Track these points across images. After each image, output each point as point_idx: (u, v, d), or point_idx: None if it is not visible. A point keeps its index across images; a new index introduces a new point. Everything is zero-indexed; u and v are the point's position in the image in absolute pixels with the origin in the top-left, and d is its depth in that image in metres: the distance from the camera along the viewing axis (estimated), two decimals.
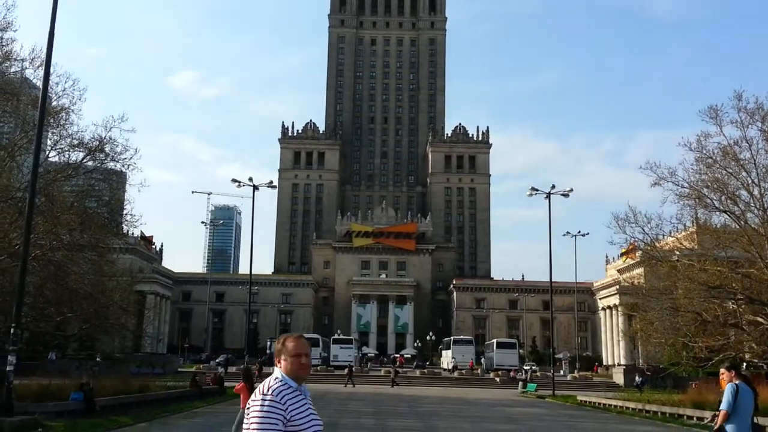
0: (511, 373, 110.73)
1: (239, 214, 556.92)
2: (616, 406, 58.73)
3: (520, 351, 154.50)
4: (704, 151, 57.63)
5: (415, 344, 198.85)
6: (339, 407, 52.18)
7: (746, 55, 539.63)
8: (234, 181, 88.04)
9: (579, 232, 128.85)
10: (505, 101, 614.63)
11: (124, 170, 58.44)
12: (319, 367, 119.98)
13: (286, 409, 6.95)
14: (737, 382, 16.05)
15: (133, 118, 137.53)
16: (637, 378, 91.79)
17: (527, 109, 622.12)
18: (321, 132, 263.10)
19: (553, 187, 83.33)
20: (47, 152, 53.78)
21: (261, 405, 6.95)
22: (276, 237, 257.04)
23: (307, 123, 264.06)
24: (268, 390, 7.04)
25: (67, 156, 54.75)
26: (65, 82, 53.22)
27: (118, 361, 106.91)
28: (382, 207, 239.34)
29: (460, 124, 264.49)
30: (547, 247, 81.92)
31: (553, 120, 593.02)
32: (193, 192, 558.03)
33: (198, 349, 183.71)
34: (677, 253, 64.51)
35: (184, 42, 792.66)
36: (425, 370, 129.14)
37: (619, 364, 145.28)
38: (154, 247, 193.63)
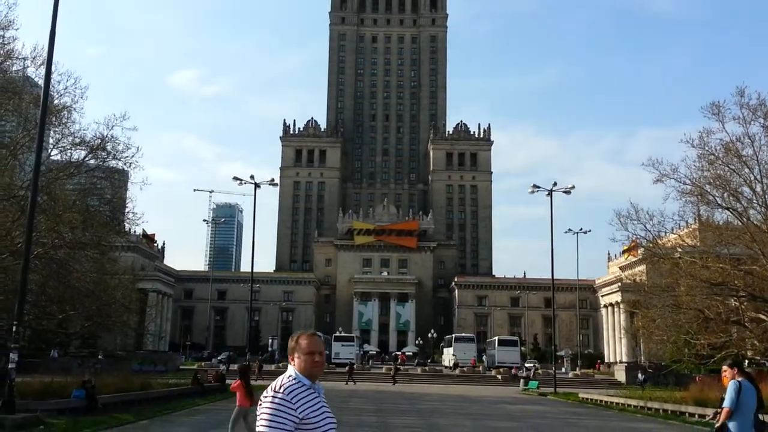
0: (513, 371, 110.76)
1: (241, 212, 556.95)
2: (617, 404, 58.73)
3: (522, 348, 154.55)
4: (706, 148, 57.56)
5: (417, 342, 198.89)
6: (340, 404, 52.15)
7: (748, 52, 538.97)
8: (235, 179, 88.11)
9: (581, 229, 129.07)
10: (506, 99, 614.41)
11: (125, 168, 58.45)
12: None
13: (297, 408, 6.89)
14: (740, 379, 16.02)
15: (135, 117, 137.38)
16: (639, 375, 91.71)
17: (528, 106, 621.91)
18: (322, 130, 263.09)
19: (555, 184, 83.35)
20: (49, 150, 53.78)
21: (271, 402, 6.91)
22: (277, 235, 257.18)
23: (309, 121, 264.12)
24: (280, 387, 6.99)
25: (69, 154, 54.78)
26: (67, 81, 53.24)
27: (120, 358, 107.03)
28: (384, 204, 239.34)
29: (461, 121, 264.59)
30: (548, 244, 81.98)
31: (554, 118, 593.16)
32: (194, 190, 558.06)
33: (200, 346, 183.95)
34: (679, 250, 64.43)
35: (184, 41, 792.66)
36: (426, 368, 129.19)
37: (621, 362, 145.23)
38: (156, 245, 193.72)
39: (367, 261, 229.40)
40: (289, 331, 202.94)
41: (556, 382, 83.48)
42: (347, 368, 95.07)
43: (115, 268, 72.42)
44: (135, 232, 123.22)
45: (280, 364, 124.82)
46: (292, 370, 7.19)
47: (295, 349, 7.25)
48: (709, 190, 57.83)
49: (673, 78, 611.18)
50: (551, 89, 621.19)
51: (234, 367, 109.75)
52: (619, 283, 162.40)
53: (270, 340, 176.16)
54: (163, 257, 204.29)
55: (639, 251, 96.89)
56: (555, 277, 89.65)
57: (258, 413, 6.98)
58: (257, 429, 6.95)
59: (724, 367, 16.84)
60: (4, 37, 52.68)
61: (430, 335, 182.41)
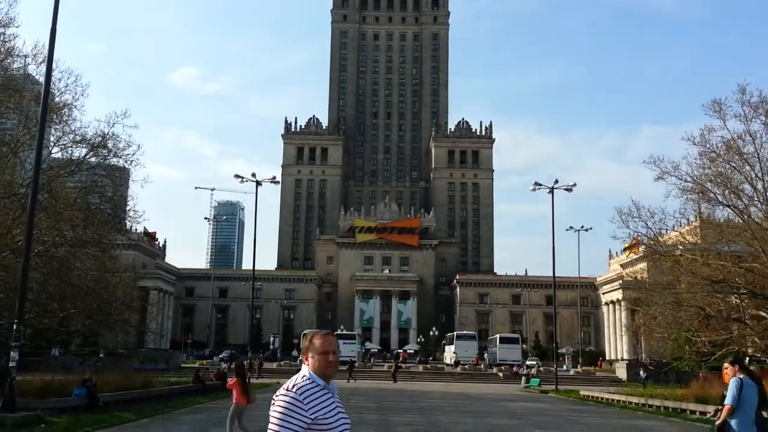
0: (514, 368, 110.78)
1: (242, 210, 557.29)
2: (618, 401, 58.73)
3: (523, 346, 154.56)
4: (708, 145, 57.43)
5: (419, 339, 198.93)
6: (342, 402, 52.11)
7: (749, 50, 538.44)
8: (237, 176, 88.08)
9: (582, 227, 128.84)
10: (508, 97, 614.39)
11: (127, 166, 58.41)
12: None
13: (308, 408, 6.82)
14: (741, 376, 15.98)
15: (136, 114, 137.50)
16: (641, 373, 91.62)
17: (530, 104, 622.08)
18: (324, 127, 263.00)
19: (556, 182, 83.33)
20: (50, 148, 53.75)
21: (283, 401, 6.84)
22: (279, 233, 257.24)
23: (310, 119, 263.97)
24: (293, 387, 6.93)
25: (69, 152, 54.69)
26: (67, 78, 53.18)
27: (121, 356, 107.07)
28: (385, 202, 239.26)
29: (463, 119, 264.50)
30: (550, 242, 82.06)
31: (555, 115, 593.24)
32: (196, 188, 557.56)
33: (201, 344, 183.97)
34: (680, 247, 64.36)
35: (185, 39, 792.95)
36: (428, 366, 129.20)
37: (622, 359, 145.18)
38: (157, 243, 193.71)
39: (369, 259, 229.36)
40: (291, 329, 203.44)
41: (557, 379, 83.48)
42: (347, 366, 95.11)
43: (116, 266, 72.30)
44: (136, 230, 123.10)
45: (281, 362, 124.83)
46: (306, 369, 7.13)
47: (308, 348, 7.19)
48: (710, 188, 57.74)
49: (674, 76, 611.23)
50: (553, 87, 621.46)
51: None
52: (621, 281, 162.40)
53: (271, 338, 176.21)
54: (165, 255, 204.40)
55: (640, 249, 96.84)
56: (556, 275, 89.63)
57: (270, 412, 6.92)
58: (269, 427, 6.88)
59: (726, 365, 16.80)
60: (4, 34, 52.67)
61: (431, 333, 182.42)
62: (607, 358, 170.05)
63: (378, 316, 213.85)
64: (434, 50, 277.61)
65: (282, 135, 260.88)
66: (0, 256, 48.40)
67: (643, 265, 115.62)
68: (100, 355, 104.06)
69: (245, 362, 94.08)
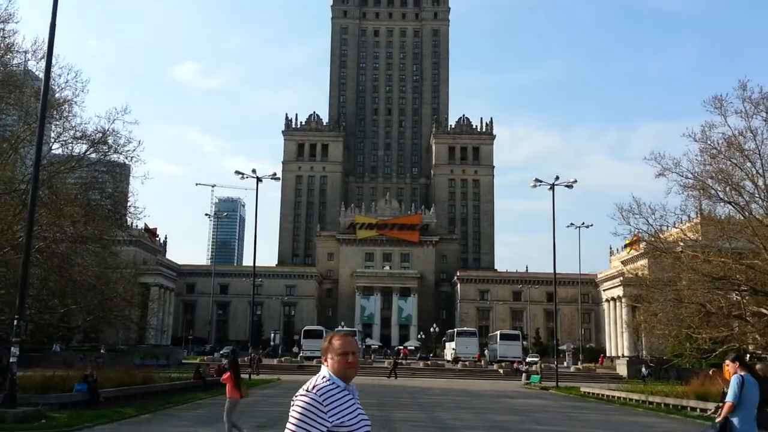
0: (515, 365, 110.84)
1: (243, 206, 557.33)
2: (619, 398, 58.76)
3: (524, 342, 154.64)
4: (709, 142, 57.34)
5: (419, 336, 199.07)
6: None
7: (751, 46, 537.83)
8: (237, 173, 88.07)
9: (583, 223, 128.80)
10: (509, 93, 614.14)
11: (127, 162, 58.34)
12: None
13: (328, 412, 6.69)
14: (743, 373, 15.97)
15: (137, 110, 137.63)
16: (643, 370, 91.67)
17: (530, 101, 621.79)
18: (324, 124, 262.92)
19: (557, 178, 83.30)
20: (50, 144, 53.74)
21: (302, 403, 6.73)
22: (280, 229, 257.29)
23: (311, 115, 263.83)
24: (313, 388, 6.82)
25: (70, 148, 54.60)
26: (67, 74, 53.07)
27: (122, 352, 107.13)
28: (386, 199, 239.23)
29: (463, 115, 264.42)
30: (550, 238, 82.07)
31: (556, 112, 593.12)
32: (197, 184, 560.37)
33: (202, 340, 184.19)
34: (681, 244, 64.33)
35: (185, 34, 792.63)
36: (429, 362, 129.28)
37: (622, 356, 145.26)
38: (158, 239, 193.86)
39: (370, 255, 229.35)
40: (292, 326, 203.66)
41: (557, 376, 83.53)
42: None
43: (117, 262, 72.29)
44: (137, 226, 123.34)
45: (282, 359, 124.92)
46: (325, 371, 7.02)
47: (328, 349, 7.08)
48: (711, 184, 57.66)
49: (675, 72, 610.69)
50: (554, 83, 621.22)
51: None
52: (621, 278, 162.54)
53: (272, 334, 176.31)
54: (165, 251, 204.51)
55: (641, 245, 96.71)
56: (557, 272, 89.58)
57: (290, 412, 6.80)
58: (287, 427, 6.76)
59: (726, 362, 16.79)
60: (4, 30, 52.58)
61: (432, 329, 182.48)
62: (608, 354, 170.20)
63: (378, 312, 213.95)
64: (434, 46, 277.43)
65: (282, 131, 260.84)
66: (1, 252, 48.42)
67: (643, 261, 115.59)
68: (101, 351, 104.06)
69: (247, 358, 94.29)
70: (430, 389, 70.70)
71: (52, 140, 53.77)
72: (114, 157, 56.31)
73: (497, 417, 42.66)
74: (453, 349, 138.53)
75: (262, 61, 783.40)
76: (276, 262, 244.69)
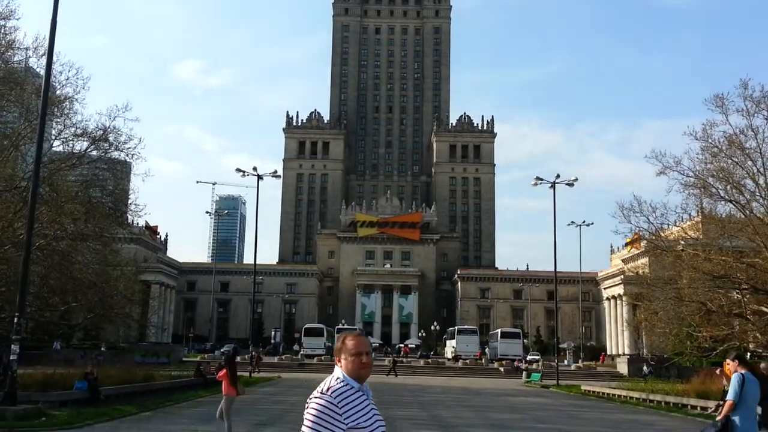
0: (515, 363, 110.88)
1: (244, 204, 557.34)
2: (620, 396, 58.76)
3: (525, 341, 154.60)
4: (710, 140, 57.34)
5: (420, 334, 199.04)
6: None
7: (753, 44, 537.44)
8: (238, 170, 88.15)
9: (584, 222, 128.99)
10: (510, 91, 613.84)
11: (128, 160, 58.43)
12: (323, 357, 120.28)
13: (343, 413, 6.62)
14: (743, 371, 15.95)
15: (137, 108, 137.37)
16: (645, 368, 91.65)
17: (532, 98, 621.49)
18: (325, 122, 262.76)
19: (558, 176, 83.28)
20: (51, 141, 53.72)
21: (318, 405, 6.64)
22: (281, 227, 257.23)
23: (312, 113, 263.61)
24: (328, 390, 6.73)
25: (71, 145, 54.66)
26: (68, 71, 53.13)
27: (123, 350, 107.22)
28: (387, 197, 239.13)
29: (464, 113, 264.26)
30: (551, 236, 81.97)
31: (558, 109, 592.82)
32: (197, 182, 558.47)
33: (203, 338, 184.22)
34: (682, 242, 64.31)
35: (186, 32, 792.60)
36: (429, 360, 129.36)
37: (623, 354, 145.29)
38: (158, 236, 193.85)
39: (370, 253, 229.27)
40: (292, 324, 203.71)
41: (558, 374, 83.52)
42: None
43: (118, 259, 72.37)
44: (137, 223, 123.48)
45: (283, 357, 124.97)
46: (339, 371, 6.93)
47: (341, 350, 6.99)
48: (712, 183, 57.68)
49: (678, 70, 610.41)
50: (555, 81, 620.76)
51: (238, 359, 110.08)
52: (622, 276, 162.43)
53: (273, 332, 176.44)
54: (166, 249, 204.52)
55: (642, 244, 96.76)
56: (558, 270, 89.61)
57: (305, 414, 6.73)
58: (302, 430, 6.68)
59: (727, 361, 16.77)
60: (5, 27, 52.67)
61: (433, 327, 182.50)
62: (608, 353, 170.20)
63: (379, 310, 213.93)
64: (436, 44, 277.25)
65: (283, 129, 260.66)
66: (1, 250, 48.44)
67: (644, 260, 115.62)
68: (102, 348, 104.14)
69: (248, 356, 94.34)
70: (430, 387, 70.72)
71: (53, 137, 53.78)
72: (115, 154, 56.40)
73: (498, 415, 42.66)
74: (453, 347, 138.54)
75: (263, 59, 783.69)
76: (277, 260, 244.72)
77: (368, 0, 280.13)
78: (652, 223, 61.36)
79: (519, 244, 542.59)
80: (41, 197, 46.38)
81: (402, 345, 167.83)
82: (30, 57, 54.54)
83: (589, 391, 67.49)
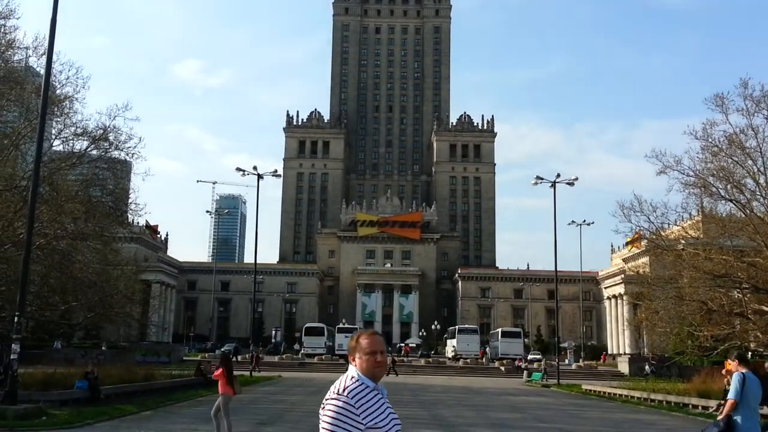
0: (516, 362, 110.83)
1: (244, 203, 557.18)
2: (621, 395, 58.74)
3: (525, 340, 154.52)
4: (710, 140, 57.26)
5: (420, 333, 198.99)
6: None
7: (753, 43, 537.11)
8: (238, 169, 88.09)
9: (584, 221, 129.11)
10: (511, 90, 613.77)
11: (128, 159, 58.37)
12: (323, 356, 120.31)
13: (361, 413, 6.56)
14: (744, 370, 15.92)
15: (137, 108, 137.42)
16: (647, 367, 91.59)
17: (532, 98, 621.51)
18: (326, 121, 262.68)
19: (558, 176, 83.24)
20: (51, 141, 53.68)
21: (335, 406, 6.56)
22: (281, 226, 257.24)
23: (312, 112, 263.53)
24: (344, 390, 6.66)
25: (71, 144, 54.62)
26: (68, 71, 53.10)
27: (124, 349, 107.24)
28: (387, 196, 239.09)
29: (465, 112, 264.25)
30: (552, 236, 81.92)
31: (557, 109, 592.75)
32: (198, 181, 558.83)
33: (203, 337, 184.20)
34: (683, 241, 64.26)
35: (186, 32, 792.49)
36: (430, 359, 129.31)
37: (624, 354, 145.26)
38: (159, 236, 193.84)
39: (371, 252, 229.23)
40: (293, 323, 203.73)
41: (559, 373, 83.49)
42: (345, 359, 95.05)
43: (118, 259, 72.32)
44: (138, 223, 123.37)
45: (284, 356, 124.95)
46: (353, 370, 6.87)
47: (355, 348, 6.94)
48: (712, 182, 57.59)
49: (677, 69, 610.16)
50: (555, 81, 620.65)
51: (238, 358, 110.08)
52: (623, 275, 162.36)
53: (273, 332, 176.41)
54: (167, 248, 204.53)
55: (642, 243, 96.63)
56: (558, 269, 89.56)
57: (321, 415, 6.66)
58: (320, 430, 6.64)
59: (728, 360, 16.76)
60: (5, 26, 52.61)
61: (433, 327, 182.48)
62: (609, 352, 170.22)
63: (380, 309, 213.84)
64: (436, 43, 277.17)
65: (284, 128, 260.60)
66: (2, 249, 48.41)
67: (645, 259, 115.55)
68: (102, 347, 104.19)
69: (248, 355, 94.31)
70: (431, 386, 70.69)
71: (53, 137, 53.74)
72: (115, 153, 56.36)
73: (498, 414, 42.63)
74: (454, 346, 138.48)
75: (263, 59, 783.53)
76: (277, 260, 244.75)
77: (368, 0, 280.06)
78: (653, 223, 61.31)
79: (519, 244, 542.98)
80: (41, 196, 46.35)
81: (403, 344, 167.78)
82: (30, 56, 54.56)
83: (590, 390, 67.47)
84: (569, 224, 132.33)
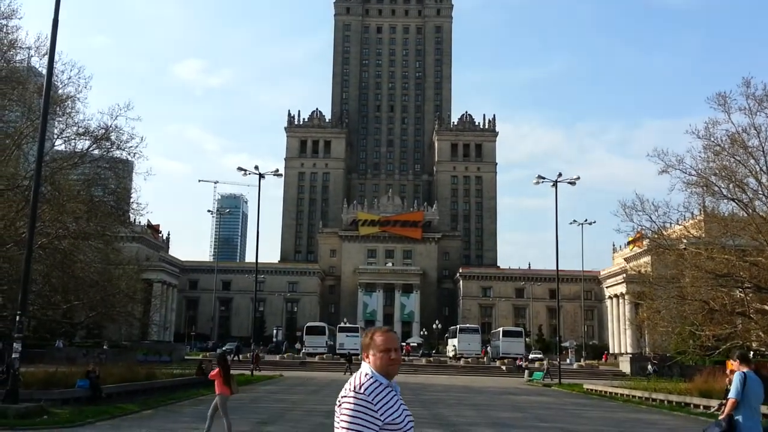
0: (517, 362, 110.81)
1: (246, 203, 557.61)
2: (622, 395, 58.71)
3: (527, 339, 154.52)
4: (712, 139, 57.14)
5: (422, 333, 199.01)
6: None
7: (754, 43, 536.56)
8: (240, 169, 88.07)
9: (586, 220, 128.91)
10: (512, 90, 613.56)
11: (130, 159, 58.40)
12: (324, 356, 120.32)
13: (378, 410, 6.57)
14: (745, 370, 15.92)
15: (139, 108, 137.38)
16: (649, 367, 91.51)
17: (534, 97, 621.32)
18: (327, 120, 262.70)
19: (560, 175, 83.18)
20: (53, 140, 53.74)
21: (353, 404, 6.56)
22: (282, 226, 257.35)
23: (313, 111, 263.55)
24: (360, 387, 6.66)
25: (73, 144, 54.67)
26: (70, 71, 53.18)
27: (125, 348, 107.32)
28: (388, 195, 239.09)
29: (466, 112, 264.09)
30: (553, 235, 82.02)
31: (559, 109, 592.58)
32: (199, 181, 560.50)
33: (205, 337, 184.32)
34: (684, 241, 64.20)
35: (187, 32, 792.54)
36: (431, 359, 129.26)
37: (625, 353, 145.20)
38: (160, 235, 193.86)
39: (372, 252, 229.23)
40: (294, 322, 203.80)
41: (560, 372, 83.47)
42: (346, 358, 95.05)
43: (120, 258, 72.41)
44: (139, 222, 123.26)
45: (285, 355, 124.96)
46: (367, 367, 6.86)
47: (369, 345, 6.92)
48: (714, 181, 57.48)
49: (679, 69, 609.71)
50: (556, 80, 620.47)
51: (240, 357, 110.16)
52: (624, 274, 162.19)
53: (275, 331, 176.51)
54: (168, 248, 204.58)
55: (644, 242, 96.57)
56: (560, 269, 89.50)
57: (338, 414, 6.65)
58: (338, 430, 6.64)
59: (731, 361, 16.78)
60: (7, 26, 52.68)
61: (434, 326, 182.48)
62: (611, 351, 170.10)
63: (381, 309, 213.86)
64: (437, 43, 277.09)
65: (285, 128, 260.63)
66: (4, 249, 48.45)
67: (647, 258, 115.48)
68: (104, 347, 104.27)
69: (249, 354, 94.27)
70: (432, 386, 70.66)
71: (55, 136, 53.79)
72: (117, 153, 56.43)
73: (500, 414, 42.62)
74: (455, 346, 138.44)
75: (264, 59, 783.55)
76: (278, 259, 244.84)
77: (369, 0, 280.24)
78: (655, 222, 61.22)
79: (520, 243, 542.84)
80: (43, 196, 46.36)
81: (404, 344, 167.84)
82: (32, 56, 54.65)
83: (591, 389, 67.44)
84: (571, 224, 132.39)
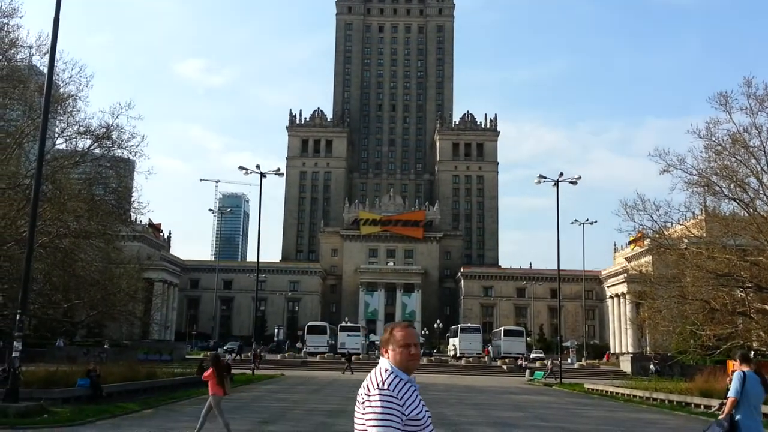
0: (519, 361, 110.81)
1: (247, 202, 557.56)
2: (623, 394, 58.69)
3: (528, 339, 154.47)
4: (713, 139, 57.09)
5: (423, 332, 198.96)
6: (347, 394, 52.30)
7: (756, 42, 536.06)
8: (241, 168, 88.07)
9: (587, 220, 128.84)
10: (514, 89, 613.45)
11: (131, 157, 58.34)
12: (326, 355, 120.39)
13: (403, 404, 6.58)
14: (745, 369, 15.91)
15: (140, 107, 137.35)
16: (651, 366, 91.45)
17: (535, 97, 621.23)
18: (329, 120, 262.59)
19: (561, 174, 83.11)
20: (54, 139, 53.74)
21: (381, 400, 6.55)
22: (284, 225, 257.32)
23: (315, 111, 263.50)
24: (383, 384, 6.66)
25: (74, 143, 54.64)
26: (72, 69, 53.10)
27: (126, 347, 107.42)
28: (390, 195, 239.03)
29: (468, 111, 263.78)
30: (554, 235, 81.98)
31: (561, 108, 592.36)
32: (201, 180, 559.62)
33: (206, 336, 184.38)
34: (686, 240, 64.16)
35: (189, 31, 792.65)
36: (432, 358, 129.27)
37: (626, 353, 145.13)
38: (162, 234, 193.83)
39: (373, 251, 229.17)
40: (295, 321, 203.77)
41: (561, 372, 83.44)
42: (346, 358, 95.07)
43: (121, 257, 72.43)
44: (141, 221, 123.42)
45: (286, 354, 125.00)
46: (386, 363, 6.88)
47: (389, 341, 6.94)
48: (715, 181, 57.44)
49: (680, 68, 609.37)
50: (557, 80, 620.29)
51: (241, 356, 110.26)
52: (625, 274, 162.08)
53: (276, 330, 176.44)
54: (169, 247, 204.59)
55: (645, 242, 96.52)
56: (561, 268, 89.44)
57: (363, 412, 6.64)
58: (368, 430, 6.60)
59: (733, 361, 16.81)
60: (8, 25, 52.63)
61: (436, 325, 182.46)
62: (612, 351, 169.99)
63: (382, 308, 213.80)
64: (439, 42, 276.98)
65: (287, 127, 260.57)
66: (4, 247, 48.47)
67: (648, 258, 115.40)
68: (105, 346, 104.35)
69: (250, 353, 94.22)
70: (433, 385, 70.65)
71: (56, 135, 53.79)
72: (118, 152, 56.43)
73: (501, 413, 42.60)
74: (456, 345, 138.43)
75: (266, 58, 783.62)
76: (280, 258, 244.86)
77: None
78: (656, 222, 61.17)
79: (522, 243, 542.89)
80: (44, 195, 46.38)
81: None
82: (33, 55, 54.66)
83: (592, 389, 67.43)
84: (572, 223, 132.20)
